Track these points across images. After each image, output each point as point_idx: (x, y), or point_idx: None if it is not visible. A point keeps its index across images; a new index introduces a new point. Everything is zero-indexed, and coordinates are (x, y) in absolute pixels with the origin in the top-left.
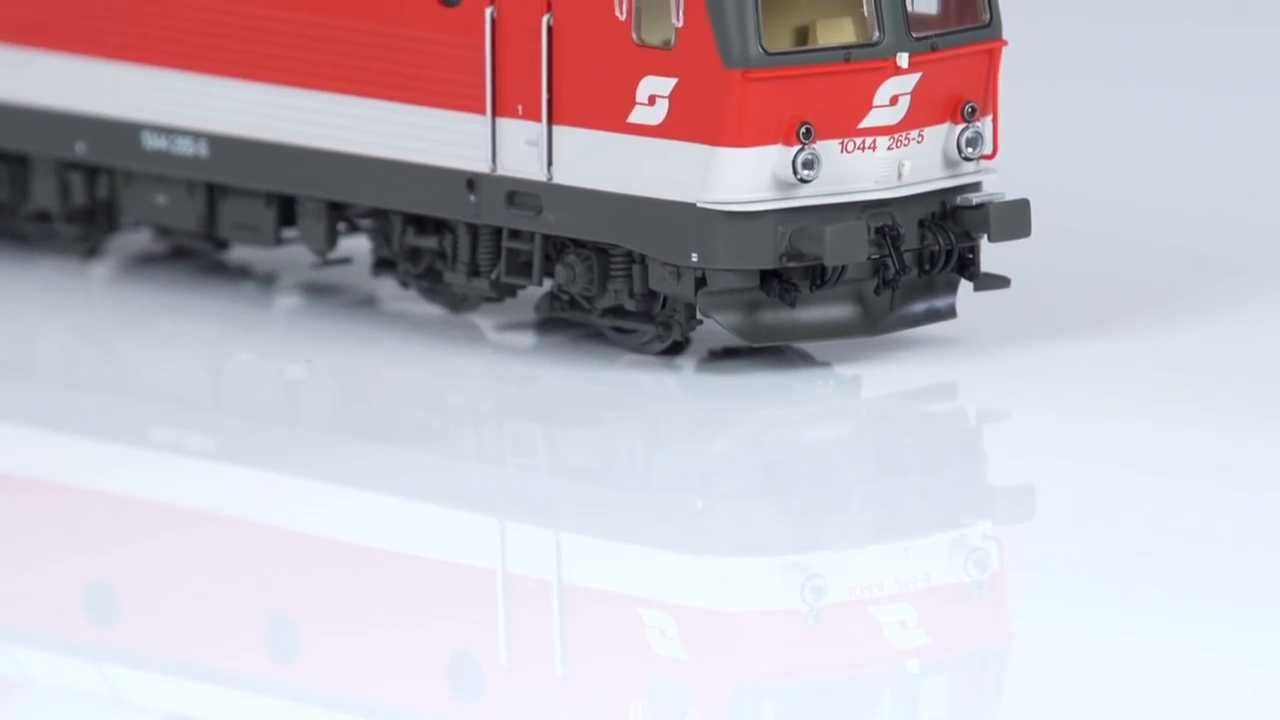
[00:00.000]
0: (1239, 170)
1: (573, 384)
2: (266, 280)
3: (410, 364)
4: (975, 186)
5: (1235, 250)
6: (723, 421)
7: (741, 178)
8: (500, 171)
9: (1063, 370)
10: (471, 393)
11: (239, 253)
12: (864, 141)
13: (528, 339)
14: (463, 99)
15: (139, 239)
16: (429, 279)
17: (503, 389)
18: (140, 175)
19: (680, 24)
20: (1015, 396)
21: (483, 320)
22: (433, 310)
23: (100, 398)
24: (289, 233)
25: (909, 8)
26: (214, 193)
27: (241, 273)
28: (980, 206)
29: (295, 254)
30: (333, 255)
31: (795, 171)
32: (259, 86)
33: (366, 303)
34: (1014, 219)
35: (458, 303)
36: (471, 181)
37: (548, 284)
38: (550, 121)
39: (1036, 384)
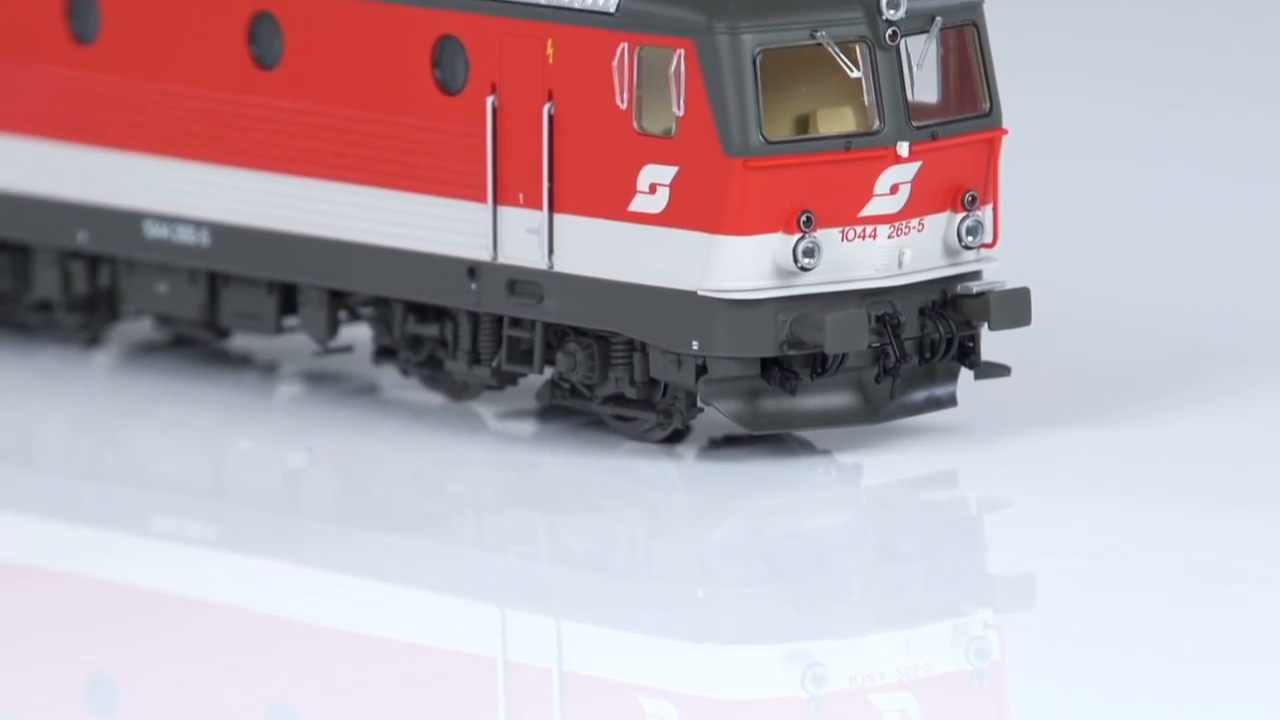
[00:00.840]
0: (1240, 258)
1: (574, 471)
2: (268, 368)
3: (411, 451)
4: (975, 275)
5: (1236, 339)
6: (724, 509)
7: (742, 266)
8: (501, 260)
9: (1063, 459)
10: (472, 480)
11: (240, 341)
12: (865, 230)
13: (529, 427)
14: (464, 187)
15: (140, 327)
16: (430, 367)
17: (504, 476)
18: (142, 264)
19: (681, 112)
20: (1016, 485)
21: (484, 408)
22: (434, 398)
23: (101, 486)
24: (290, 321)
25: (909, 96)
26: (215, 281)
27: (243, 361)
28: (981, 295)
29: (296, 342)
30: (334, 343)
31: (796, 260)
32: (260, 175)
33: (368, 390)
34: (1014, 307)
35: (459, 390)
36: (473, 269)
37: (549, 372)
38: (551, 209)
39: (1037, 472)
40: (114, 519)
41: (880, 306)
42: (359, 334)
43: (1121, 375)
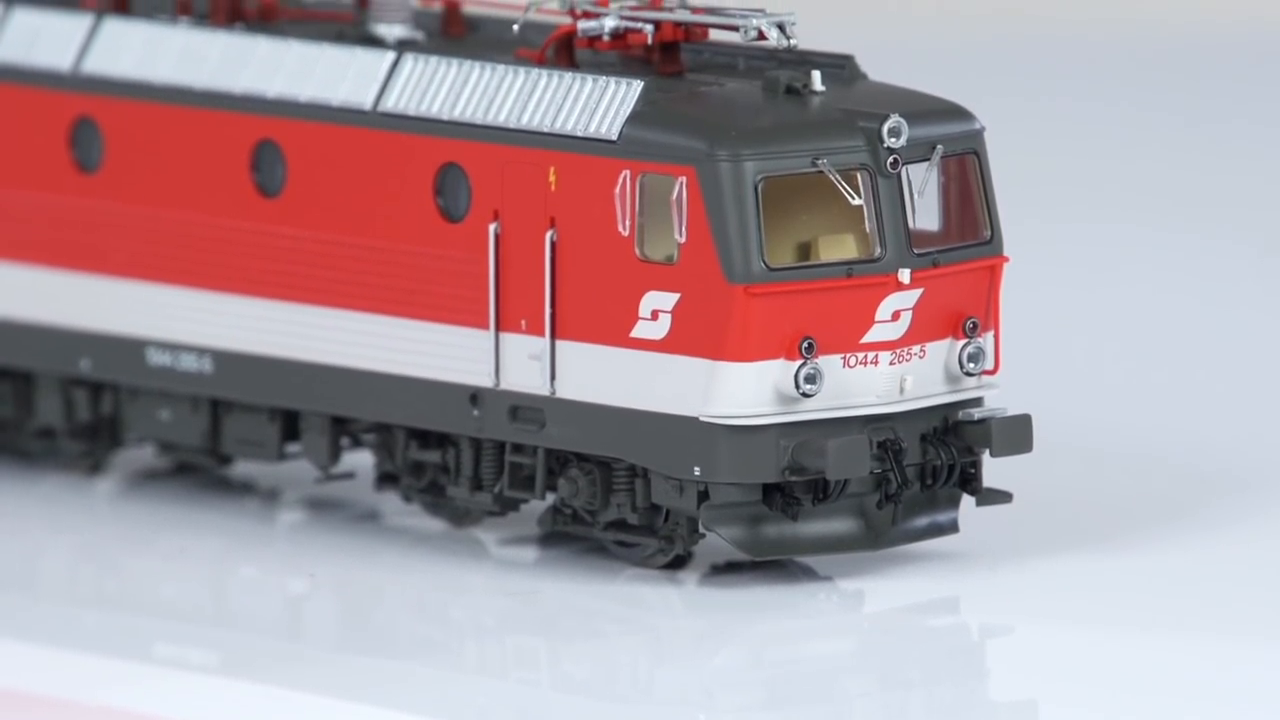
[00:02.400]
0: (1243, 386)
1: (575, 598)
2: (270, 495)
3: (413, 578)
4: (977, 401)
5: (1238, 465)
6: (725, 635)
7: (744, 392)
8: (504, 386)
9: (1065, 586)
10: (474, 606)
11: (242, 468)
12: (866, 356)
13: (530, 553)
14: (466, 313)
15: (143, 455)
16: (432, 493)
17: (505, 603)
18: (145, 391)
19: (683, 239)
20: (1018, 612)
21: (486, 535)
22: (436, 524)
23: (103, 614)
24: (292, 447)
25: (910, 224)
26: (218, 408)
27: (245, 488)
28: (982, 421)
29: (298, 469)
30: (336, 470)
31: (798, 386)
32: (262, 303)
33: (369, 517)
34: (1016, 434)
35: (460, 516)
36: (475, 396)
37: (550, 498)
38: (554, 336)
39: (1039, 599)
40: (116, 646)
41: (882, 433)
42: (361, 460)
43: (1123, 501)
